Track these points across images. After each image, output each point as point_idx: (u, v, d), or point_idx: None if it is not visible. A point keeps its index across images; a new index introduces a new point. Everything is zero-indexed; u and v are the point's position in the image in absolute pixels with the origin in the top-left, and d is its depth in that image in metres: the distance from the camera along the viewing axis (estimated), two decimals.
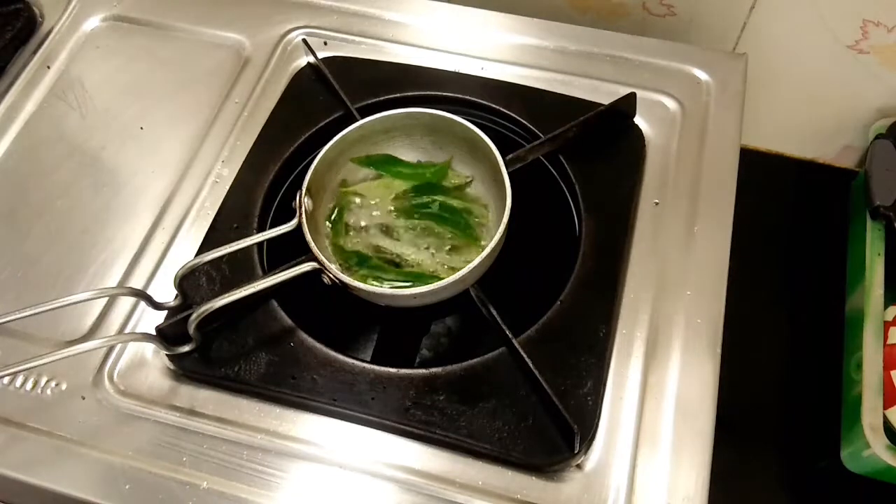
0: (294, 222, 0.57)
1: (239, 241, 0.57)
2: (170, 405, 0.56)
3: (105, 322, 0.60)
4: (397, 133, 0.64)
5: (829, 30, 0.78)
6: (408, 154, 0.66)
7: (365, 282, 0.57)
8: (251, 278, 0.55)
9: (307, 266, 0.55)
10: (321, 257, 0.54)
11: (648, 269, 0.61)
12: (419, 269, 0.60)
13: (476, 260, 0.54)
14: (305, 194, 0.57)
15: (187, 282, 0.58)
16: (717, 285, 0.60)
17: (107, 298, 0.61)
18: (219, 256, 0.57)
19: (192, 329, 0.54)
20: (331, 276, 0.55)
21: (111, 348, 0.58)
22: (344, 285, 0.55)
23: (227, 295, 0.53)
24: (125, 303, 0.61)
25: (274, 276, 0.54)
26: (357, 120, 0.62)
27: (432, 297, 0.56)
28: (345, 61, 0.73)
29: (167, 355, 0.57)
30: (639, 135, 0.67)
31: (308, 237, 0.55)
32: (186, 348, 0.55)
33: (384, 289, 0.55)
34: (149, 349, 0.58)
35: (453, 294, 0.57)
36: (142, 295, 0.56)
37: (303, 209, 0.56)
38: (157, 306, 0.57)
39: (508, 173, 0.58)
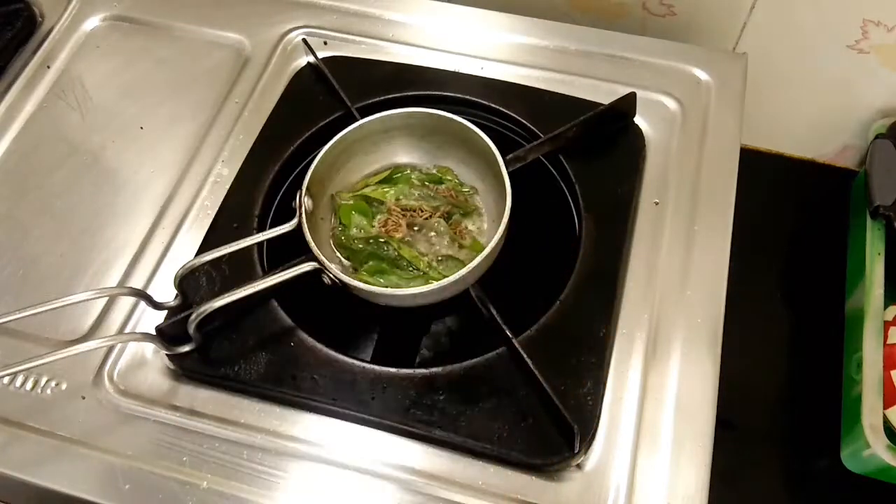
0: (294, 222, 0.57)
1: (239, 241, 0.57)
2: (170, 405, 0.56)
3: (105, 322, 0.60)
4: (397, 133, 0.64)
5: (829, 30, 0.78)
6: (407, 154, 0.66)
7: (365, 282, 0.57)
8: (251, 278, 0.55)
9: (307, 266, 0.55)
10: (321, 257, 0.54)
11: (648, 269, 0.61)
12: (420, 270, 0.60)
13: (476, 260, 0.54)
14: (305, 194, 0.57)
15: (187, 282, 0.58)
16: (717, 285, 0.60)
17: (107, 298, 0.61)
18: (219, 256, 0.57)
19: (192, 329, 0.54)
20: (331, 276, 0.55)
21: (111, 348, 0.58)
22: (344, 285, 0.55)
23: (226, 295, 0.53)
24: (125, 303, 0.61)
25: (274, 276, 0.54)
26: (357, 120, 0.62)
27: (432, 297, 0.56)
28: (345, 61, 0.73)
29: (167, 355, 0.56)
30: (639, 135, 0.67)
31: (308, 237, 0.55)
32: (186, 348, 0.55)
33: (384, 289, 0.55)
34: (149, 349, 0.58)
35: (453, 294, 0.57)
36: (142, 295, 0.56)
37: (303, 209, 0.56)
38: (157, 306, 0.57)
39: (508, 173, 0.58)
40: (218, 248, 0.56)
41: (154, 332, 0.55)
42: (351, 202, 0.63)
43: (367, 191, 0.64)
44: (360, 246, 0.61)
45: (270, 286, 0.54)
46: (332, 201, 0.63)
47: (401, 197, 0.63)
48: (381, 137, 0.64)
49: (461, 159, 0.64)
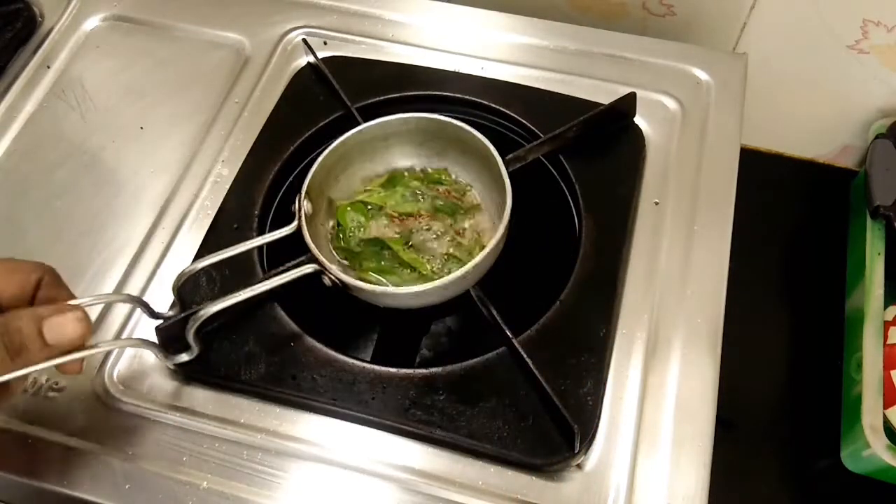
0: (293, 225, 0.56)
1: (238, 246, 0.56)
2: (170, 405, 0.56)
3: (104, 324, 0.60)
4: (395, 139, 0.63)
5: (829, 30, 0.78)
6: (406, 160, 0.65)
7: (366, 282, 0.57)
8: (251, 280, 0.55)
9: (308, 268, 0.54)
10: (321, 258, 0.54)
11: (648, 269, 0.61)
12: (420, 271, 0.60)
13: (477, 258, 0.54)
14: (305, 198, 0.57)
15: (186, 285, 0.57)
16: (717, 285, 0.60)
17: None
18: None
19: (190, 337, 0.53)
20: (332, 276, 0.54)
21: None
22: (345, 285, 0.55)
23: (224, 299, 0.52)
24: (125, 305, 0.60)
25: (274, 280, 0.54)
26: (357, 119, 0.62)
27: (433, 297, 0.56)
28: (345, 61, 0.72)
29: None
30: (639, 135, 0.67)
31: (308, 239, 0.55)
32: (185, 357, 0.54)
33: (385, 288, 0.55)
34: (149, 350, 0.58)
35: (454, 294, 0.57)
36: (139, 302, 0.55)
37: (302, 213, 0.56)
38: (155, 315, 0.56)
39: (508, 173, 0.58)
40: (215, 254, 0.55)
41: (153, 338, 0.54)
42: (349, 206, 0.63)
43: (364, 196, 0.64)
44: (360, 249, 0.61)
45: (270, 289, 0.54)
46: (331, 206, 0.63)
47: (399, 200, 0.63)
48: (380, 143, 0.63)
49: (461, 162, 0.64)
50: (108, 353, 0.58)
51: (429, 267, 0.60)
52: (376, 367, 0.55)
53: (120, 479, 0.53)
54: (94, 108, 0.73)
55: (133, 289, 0.61)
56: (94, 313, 0.60)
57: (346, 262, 0.61)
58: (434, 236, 0.62)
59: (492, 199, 0.63)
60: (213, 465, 0.53)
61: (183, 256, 0.63)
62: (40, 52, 0.77)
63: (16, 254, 0.64)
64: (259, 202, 0.64)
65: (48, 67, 0.76)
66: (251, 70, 0.74)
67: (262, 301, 0.58)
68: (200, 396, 0.56)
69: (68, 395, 0.57)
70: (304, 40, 0.73)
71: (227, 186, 0.66)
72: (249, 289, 0.53)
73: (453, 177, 0.65)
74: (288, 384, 0.55)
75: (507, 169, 0.58)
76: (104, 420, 0.55)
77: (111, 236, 0.65)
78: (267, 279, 0.54)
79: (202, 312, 0.52)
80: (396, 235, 0.62)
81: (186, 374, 0.57)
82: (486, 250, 0.54)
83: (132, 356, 0.58)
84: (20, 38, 0.77)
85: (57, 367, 0.45)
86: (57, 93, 0.74)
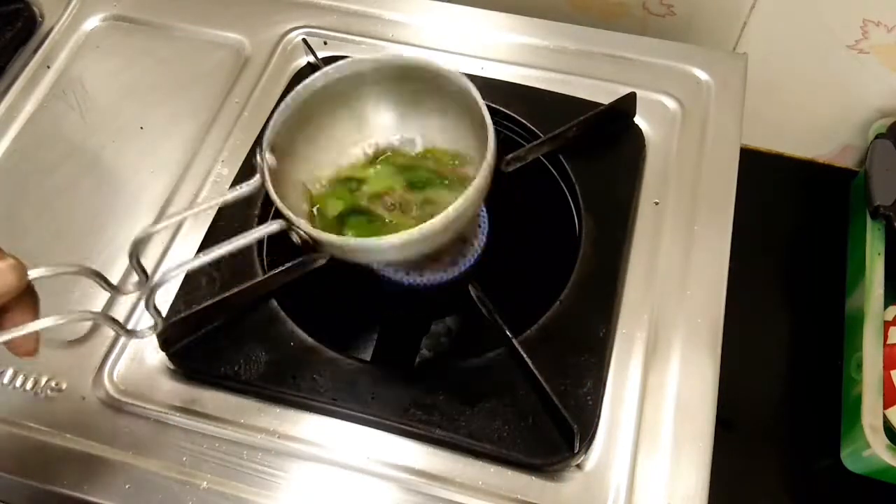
0: (257, 181, 0.49)
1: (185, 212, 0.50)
2: (170, 405, 0.56)
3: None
4: (368, 84, 0.56)
5: (829, 30, 0.78)
6: (380, 105, 0.58)
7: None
8: (250, 277, 0.55)
9: (275, 224, 0.49)
10: (287, 212, 0.48)
11: (648, 269, 0.61)
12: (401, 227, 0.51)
13: (466, 193, 0.47)
14: (267, 151, 0.50)
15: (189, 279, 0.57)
16: (717, 285, 0.60)
17: (107, 298, 0.60)
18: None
19: (150, 308, 0.48)
20: (299, 232, 0.48)
21: (111, 348, 0.58)
22: (314, 241, 0.48)
23: (182, 265, 0.48)
24: (126, 301, 0.60)
25: (236, 240, 0.48)
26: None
27: (414, 244, 0.48)
28: None
29: (168, 356, 0.56)
30: (639, 135, 0.67)
31: (272, 193, 0.49)
32: (147, 331, 0.49)
33: (359, 241, 0.48)
34: (149, 349, 0.58)
35: (440, 242, 0.50)
36: (94, 274, 0.49)
37: (265, 167, 0.49)
38: (113, 288, 0.53)
39: (508, 173, 0.57)
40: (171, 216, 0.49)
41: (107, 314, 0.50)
42: (329, 190, 0.57)
43: (349, 171, 0.58)
44: (342, 211, 0.55)
45: (235, 248, 0.47)
46: (305, 190, 0.56)
47: (383, 178, 0.57)
48: (349, 86, 0.56)
49: (441, 107, 0.57)
50: (107, 354, 0.58)
51: (412, 222, 0.54)
52: (376, 367, 0.55)
53: (120, 479, 0.53)
54: (94, 108, 0.73)
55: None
56: (97, 308, 0.59)
57: (326, 228, 0.54)
58: (424, 207, 0.56)
59: (475, 148, 0.55)
60: (213, 465, 0.53)
61: (183, 256, 0.63)
62: (40, 52, 0.76)
63: (16, 254, 0.64)
64: (259, 201, 0.64)
65: (48, 67, 0.76)
66: (251, 70, 0.74)
67: (261, 301, 0.58)
68: (200, 396, 0.56)
69: (68, 395, 0.57)
70: (304, 40, 0.73)
71: (227, 186, 0.66)
72: (209, 250, 0.48)
73: (444, 153, 0.58)
74: (288, 384, 0.55)
75: (507, 169, 0.56)
76: (104, 420, 0.55)
77: (111, 236, 0.65)
78: (233, 238, 0.48)
79: (159, 279, 0.47)
80: (382, 208, 0.56)
81: (186, 373, 0.57)
82: (475, 183, 0.47)
83: (132, 356, 0.58)
84: (20, 38, 0.77)
85: (7, 346, 0.43)
86: (57, 93, 0.74)
